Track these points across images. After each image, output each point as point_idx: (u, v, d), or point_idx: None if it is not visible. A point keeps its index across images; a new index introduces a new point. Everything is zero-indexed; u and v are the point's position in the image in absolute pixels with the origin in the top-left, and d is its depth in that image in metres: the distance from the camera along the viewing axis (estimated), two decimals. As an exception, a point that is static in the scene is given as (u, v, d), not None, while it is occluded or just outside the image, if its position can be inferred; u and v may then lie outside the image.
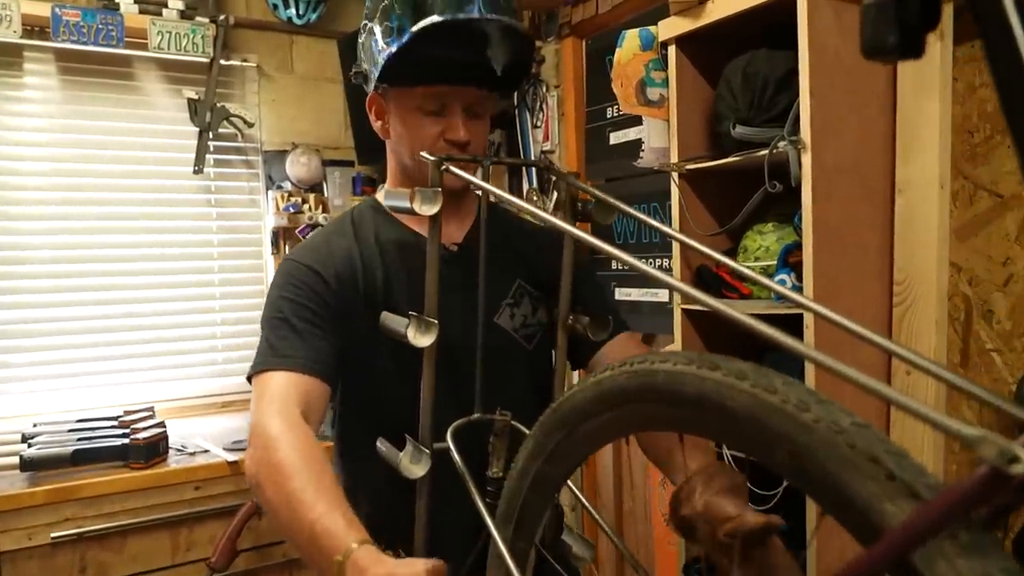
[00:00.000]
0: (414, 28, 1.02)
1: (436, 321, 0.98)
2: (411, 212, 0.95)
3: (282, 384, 1.05)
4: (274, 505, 0.95)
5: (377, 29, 1.09)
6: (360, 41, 1.14)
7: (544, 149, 2.52)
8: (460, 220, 1.21)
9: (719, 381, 0.64)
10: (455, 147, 1.12)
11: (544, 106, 2.51)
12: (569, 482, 1.16)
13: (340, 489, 0.98)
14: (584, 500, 1.16)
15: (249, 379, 1.10)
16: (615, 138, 2.29)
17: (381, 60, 1.07)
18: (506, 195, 0.97)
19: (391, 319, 1.00)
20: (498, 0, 1.02)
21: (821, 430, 0.56)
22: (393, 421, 1.17)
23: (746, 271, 0.82)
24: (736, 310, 0.63)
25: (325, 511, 0.91)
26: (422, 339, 0.97)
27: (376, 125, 1.20)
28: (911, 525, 0.49)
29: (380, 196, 1.25)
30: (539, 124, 2.54)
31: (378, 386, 1.20)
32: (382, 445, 1.02)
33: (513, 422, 1.11)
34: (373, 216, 1.22)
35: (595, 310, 1.15)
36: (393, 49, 1.05)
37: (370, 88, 1.15)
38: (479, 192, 1.15)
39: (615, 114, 2.27)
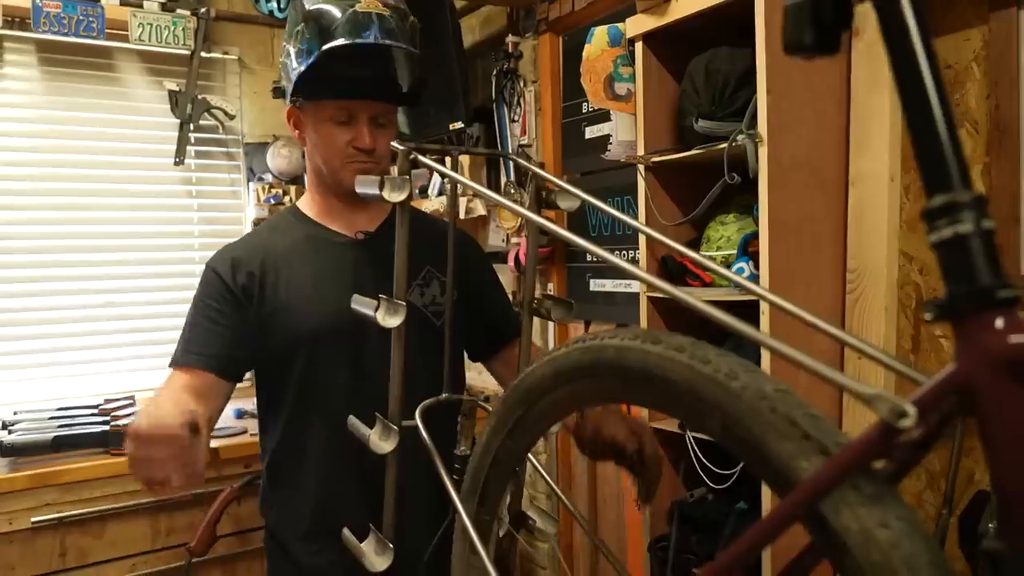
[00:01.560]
0: (321, 49, 1.16)
1: (404, 303, 1.02)
2: (379, 199, 1.00)
3: (175, 382, 1.27)
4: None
5: (292, 51, 1.23)
6: (281, 60, 1.29)
7: (522, 143, 2.57)
8: (372, 214, 1.36)
9: (660, 354, 0.69)
10: (362, 153, 1.27)
11: (522, 101, 2.56)
12: (543, 471, 1.21)
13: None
14: (553, 485, 1.20)
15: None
16: (590, 132, 2.34)
17: (294, 77, 1.22)
18: (472, 183, 1.02)
19: (360, 301, 1.04)
20: (393, 28, 1.17)
21: (747, 396, 0.61)
22: (306, 406, 1.30)
23: (703, 260, 0.87)
24: (697, 297, 0.68)
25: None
26: (390, 320, 1.02)
27: (294, 135, 1.35)
28: (818, 478, 0.54)
29: (300, 202, 1.42)
30: (517, 118, 2.58)
31: (290, 373, 1.31)
32: (354, 423, 1.07)
33: (480, 402, 1.17)
34: (287, 217, 1.40)
35: (499, 309, 1.43)
36: (302, 68, 1.19)
37: (287, 102, 1.30)
38: (447, 182, 1.24)
39: (590, 109, 2.32)
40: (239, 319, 1.29)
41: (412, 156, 1.03)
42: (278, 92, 1.31)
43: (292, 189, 2.86)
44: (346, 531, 1.11)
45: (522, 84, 2.56)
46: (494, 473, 0.98)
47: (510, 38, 2.54)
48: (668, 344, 0.69)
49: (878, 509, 0.53)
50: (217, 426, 2.25)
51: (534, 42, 2.52)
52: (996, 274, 0.48)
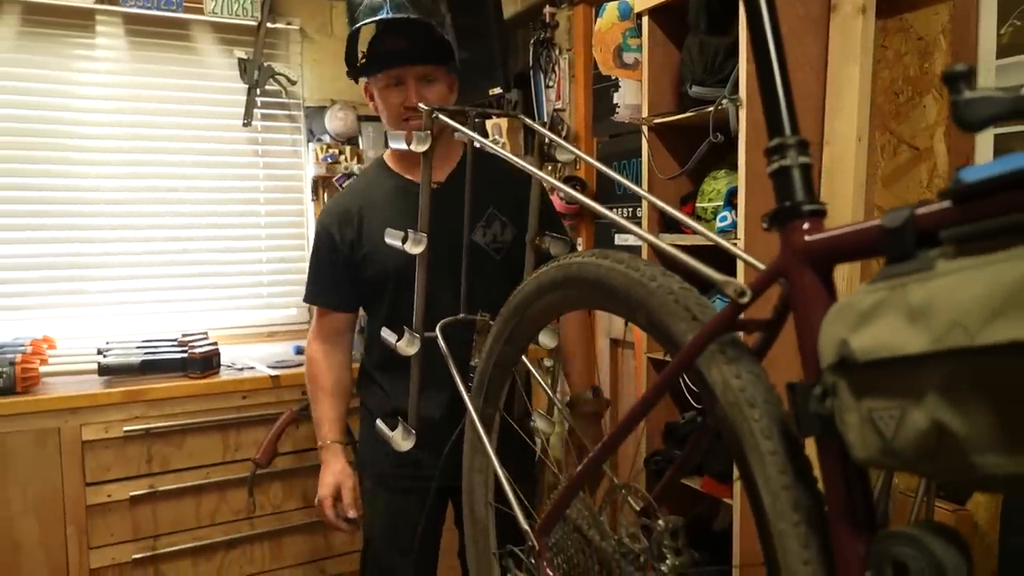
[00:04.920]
0: (349, 31, 1.43)
1: (425, 234, 1.26)
2: (407, 150, 1.23)
3: (320, 317, 1.67)
4: (309, 396, 1.70)
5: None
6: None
7: (556, 107, 2.76)
8: (444, 163, 1.59)
9: (607, 266, 0.91)
10: (409, 110, 1.50)
11: (557, 68, 2.75)
12: (547, 389, 1.44)
13: (340, 399, 1.66)
14: (555, 399, 1.43)
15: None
16: (618, 98, 2.52)
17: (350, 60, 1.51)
18: (485, 140, 1.24)
19: (391, 234, 1.29)
20: (403, 3, 1.39)
21: (659, 293, 0.83)
22: (396, 318, 1.55)
23: (674, 212, 1.07)
24: (686, 241, 0.89)
25: (324, 412, 1.64)
26: (415, 248, 1.26)
27: (371, 107, 1.61)
28: (692, 342, 0.75)
29: (385, 155, 1.67)
30: (552, 84, 2.77)
31: (384, 296, 1.59)
32: (384, 332, 1.32)
33: (491, 322, 1.40)
34: (376, 170, 1.66)
35: (553, 232, 1.54)
36: (346, 51, 1.47)
37: (356, 82, 1.59)
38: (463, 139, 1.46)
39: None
40: (347, 263, 1.60)
41: (434, 115, 1.26)
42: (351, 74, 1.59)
43: (347, 149, 3.12)
44: (379, 421, 1.37)
45: (557, 52, 2.74)
46: (496, 374, 1.21)
47: (547, 9, 2.73)
48: (613, 259, 0.91)
49: (734, 366, 0.74)
50: (279, 359, 2.59)
51: (569, 13, 2.70)
52: (807, 194, 0.68)
